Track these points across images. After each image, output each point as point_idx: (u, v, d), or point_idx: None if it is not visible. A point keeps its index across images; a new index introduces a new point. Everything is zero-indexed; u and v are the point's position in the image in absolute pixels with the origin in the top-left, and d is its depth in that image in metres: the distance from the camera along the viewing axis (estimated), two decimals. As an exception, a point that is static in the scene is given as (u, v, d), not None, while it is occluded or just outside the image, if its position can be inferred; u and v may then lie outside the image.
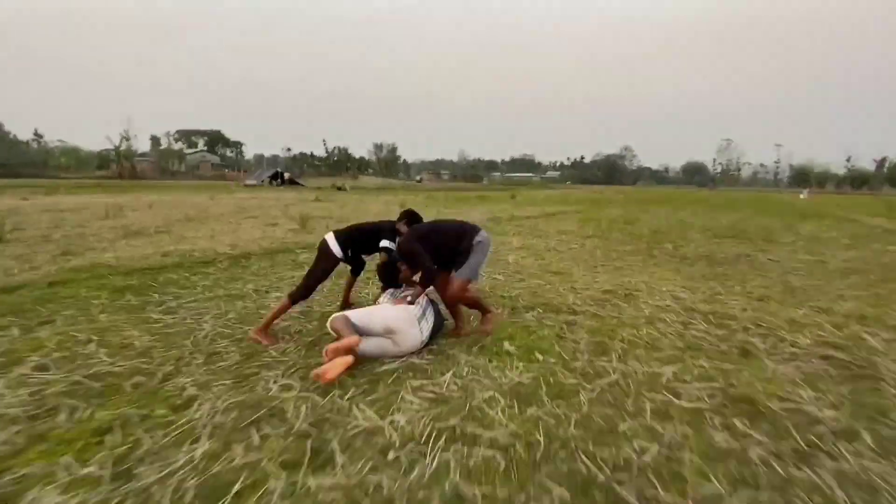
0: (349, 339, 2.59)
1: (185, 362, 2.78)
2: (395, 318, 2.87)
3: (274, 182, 47.26)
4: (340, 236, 3.48)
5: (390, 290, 3.40)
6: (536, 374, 2.67)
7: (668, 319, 3.80)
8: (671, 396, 2.45)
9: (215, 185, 38.12)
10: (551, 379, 2.62)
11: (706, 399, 2.44)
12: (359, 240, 3.54)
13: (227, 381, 2.53)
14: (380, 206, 16.66)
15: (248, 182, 46.30)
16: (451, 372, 2.66)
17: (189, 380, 2.54)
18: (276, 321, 3.28)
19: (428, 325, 3.02)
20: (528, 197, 27.36)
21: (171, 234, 8.36)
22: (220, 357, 2.87)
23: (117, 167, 63.79)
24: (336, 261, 3.44)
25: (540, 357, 2.93)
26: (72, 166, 67.33)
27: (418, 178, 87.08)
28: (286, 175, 50.55)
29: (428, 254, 3.14)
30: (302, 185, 43.42)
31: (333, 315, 2.90)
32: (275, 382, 2.53)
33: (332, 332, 2.84)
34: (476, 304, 3.43)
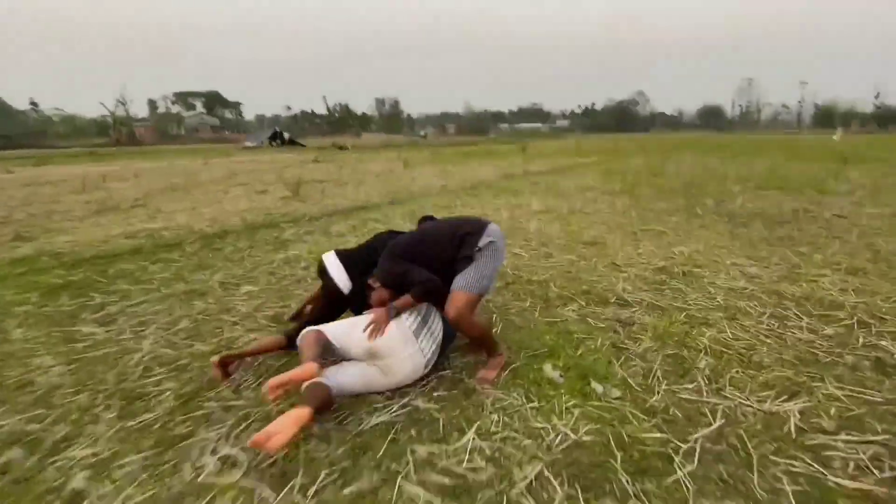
0: (304, 368, 1.77)
1: (93, 416, 1.95)
2: (382, 337, 2.00)
3: (273, 143, 45.54)
4: (352, 264, 2.40)
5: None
6: (599, 424, 1.80)
7: (751, 311, 2.89)
8: (817, 466, 1.58)
9: (214, 149, 36.66)
10: (623, 433, 1.75)
11: (871, 469, 1.57)
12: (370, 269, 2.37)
13: (144, 452, 1.71)
14: (381, 166, 15.51)
15: (248, 144, 44.57)
16: (473, 427, 1.80)
17: (87, 451, 1.72)
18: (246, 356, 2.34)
19: (431, 339, 2.12)
20: (540, 149, 25.70)
21: (147, 208, 7.49)
22: (145, 403, 2.03)
23: (114, 133, 62.16)
24: (344, 299, 2.40)
25: (598, 388, 2.05)
26: (70, 134, 65.79)
27: (422, 132, 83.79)
28: (286, 135, 48.62)
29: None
30: (302, 146, 41.64)
31: (305, 330, 2.07)
32: (213, 453, 1.70)
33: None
34: (483, 339, 2.24)
